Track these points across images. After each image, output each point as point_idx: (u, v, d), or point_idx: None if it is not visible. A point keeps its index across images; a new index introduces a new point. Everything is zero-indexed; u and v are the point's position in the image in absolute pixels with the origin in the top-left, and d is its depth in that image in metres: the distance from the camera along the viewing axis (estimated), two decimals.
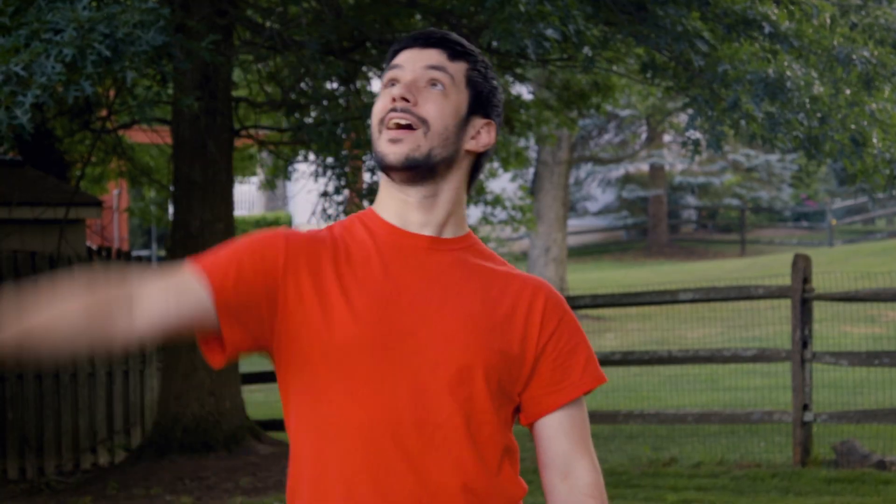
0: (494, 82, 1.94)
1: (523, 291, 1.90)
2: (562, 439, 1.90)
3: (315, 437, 1.84)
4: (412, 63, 1.87)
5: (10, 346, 1.76)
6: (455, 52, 1.90)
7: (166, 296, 1.78)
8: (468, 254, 1.91)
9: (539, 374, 1.89)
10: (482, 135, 1.91)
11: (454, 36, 1.93)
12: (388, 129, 1.85)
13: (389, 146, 1.84)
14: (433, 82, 1.86)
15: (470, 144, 1.90)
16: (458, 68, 1.89)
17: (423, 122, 1.84)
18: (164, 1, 6.15)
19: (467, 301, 1.86)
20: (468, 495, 1.82)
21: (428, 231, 1.88)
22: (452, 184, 1.89)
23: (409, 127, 1.85)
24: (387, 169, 1.86)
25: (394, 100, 1.85)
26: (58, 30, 4.91)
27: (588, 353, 1.92)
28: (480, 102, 1.90)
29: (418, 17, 8.71)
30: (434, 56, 1.88)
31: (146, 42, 4.89)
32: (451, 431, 1.81)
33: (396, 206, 1.89)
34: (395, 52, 1.91)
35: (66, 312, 1.76)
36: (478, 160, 1.93)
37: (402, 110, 1.84)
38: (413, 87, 1.85)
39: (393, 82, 1.88)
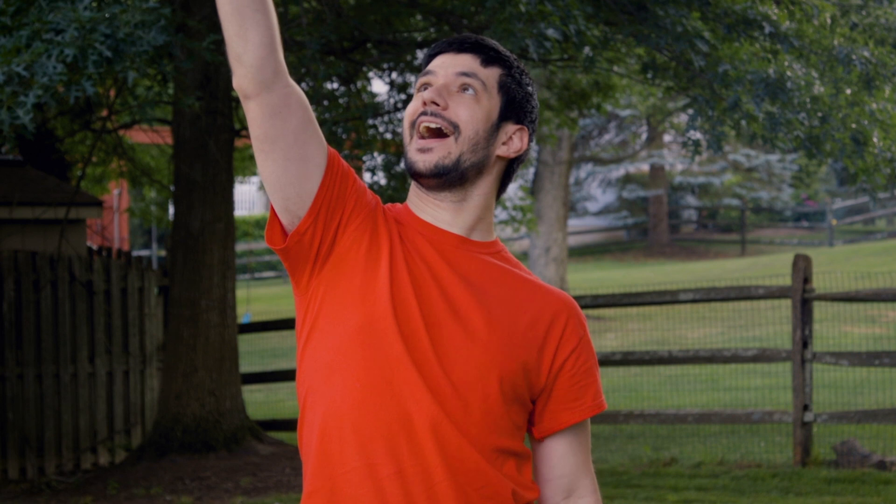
0: (529, 88, 1.93)
1: (548, 305, 1.91)
2: (569, 459, 1.92)
3: (329, 382, 1.84)
4: (444, 68, 1.88)
5: None
6: (488, 58, 1.90)
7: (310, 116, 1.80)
8: (496, 259, 1.92)
9: (558, 390, 1.90)
10: (514, 140, 1.91)
11: (489, 41, 1.93)
12: (420, 135, 1.86)
13: (419, 155, 1.85)
14: (465, 87, 1.87)
15: (501, 150, 1.90)
16: (491, 74, 1.89)
17: (454, 126, 1.85)
18: (165, 1, 6.15)
19: (493, 304, 1.87)
20: (476, 476, 1.83)
21: (457, 231, 1.89)
22: (482, 189, 1.90)
23: (439, 132, 1.85)
24: (415, 176, 1.87)
25: (424, 103, 1.86)
26: (59, 30, 4.92)
27: (598, 378, 1.96)
28: (513, 108, 1.90)
29: (419, 17, 8.70)
30: (467, 61, 1.89)
31: (147, 42, 4.90)
32: (457, 428, 1.82)
33: (427, 206, 1.90)
34: (430, 57, 1.92)
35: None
36: (509, 166, 1.93)
37: (433, 114, 1.85)
38: (444, 91, 1.86)
39: (425, 86, 1.89)
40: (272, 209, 1.84)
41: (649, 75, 7.33)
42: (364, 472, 1.80)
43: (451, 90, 1.87)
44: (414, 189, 1.92)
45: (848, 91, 6.28)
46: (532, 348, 1.87)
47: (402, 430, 1.80)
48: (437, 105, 1.85)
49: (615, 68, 9.24)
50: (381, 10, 8.12)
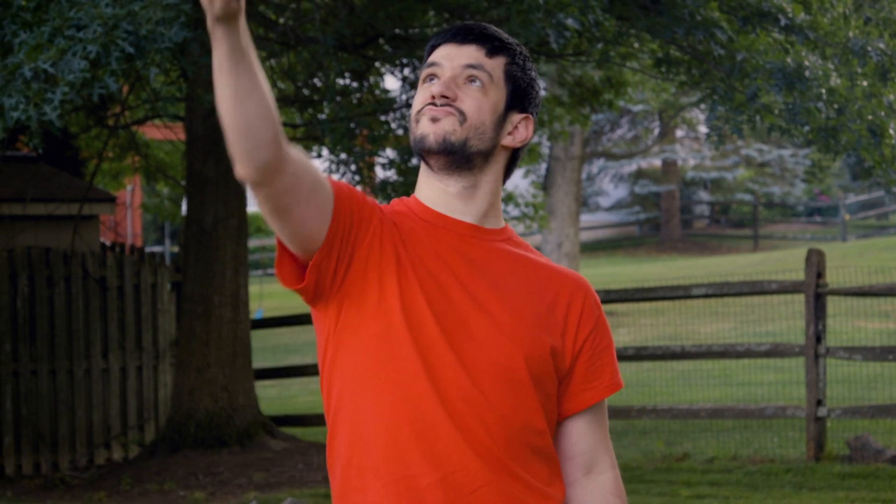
0: (533, 74, 1.94)
1: (564, 287, 1.93)
2: (589, 436, 1.94)
3: (357, 398, 1.85)
4: (450, 60, 1.89)
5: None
6: (494, 48, 1.90)
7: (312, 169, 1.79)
8: (509, 245, 1.93)
9: (576, 372, 1.93)
10: (519, 130, 1.92)
11: (492, 30, 1.93)
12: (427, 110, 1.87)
13: (429, 124, 1.85)
14: (471, 79, 1.88)
15: (507, 140, 1.91)
16: (497, 64, 1.90)
17: (461, 112, 1.86)
18: None
19: (513, 291, 1.88)
20: (510, 476, 1.84)
21: (469, 220, 1.90)
22: (490, 176, 1.91)
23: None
24: (425, 151, 1.87)
25: (433, 96, 1.86)
26: (80, 26, 4.94)
27: (614, 356, 1.98)
28: (518, 97, 1.91)
29: (431, 12, 8.69)
30: (472, 53, 1.89)
31: (169, 39, 4.92)
32: (499, 419, 1.84)
33: (437, 195, 1.91)
34: (433, 48, 1.92)
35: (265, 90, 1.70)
36: (514, 154, 1.95)
37: (442, 105, 1.86)
38: (451, 84, 1.87)
39: (431, 77, 1.90)
40: (280, 249, 1.83)
41: (663, 69, 7.31)
42: (404, 483, 1.82)
43: (458, 82, 1.87)
44: (423, 177, 1.92)
45: (864, 83, 6.26)
46: (556, 332, 1.90)
47: (438, 437, 1.81)
48: (446, 97, 1.86)
49: (628, 64, 9.22)
50: (394, 6, 8.12)
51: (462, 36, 1.91)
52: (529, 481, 1.86)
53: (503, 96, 1.90)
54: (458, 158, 1.87)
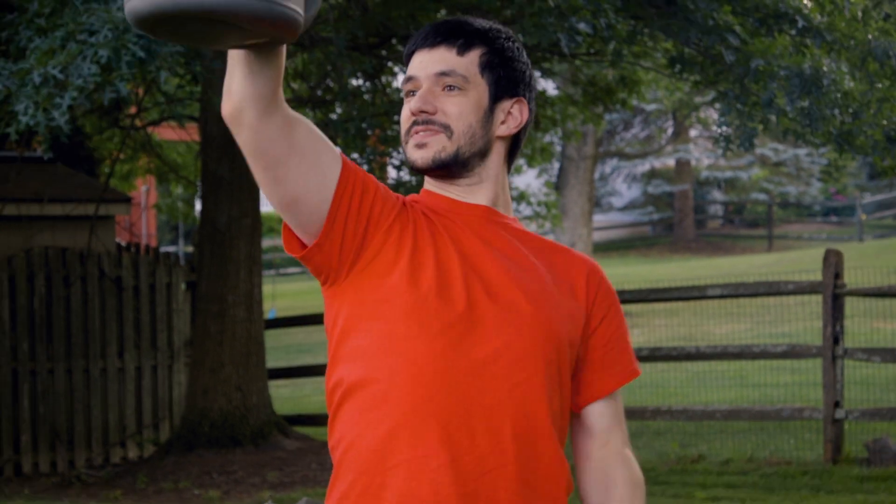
0: (514, 54, 1.88)
1: (581, 270, 1.92)
2: (606, 418, 1.94)
3: (369, 381, 1.79)
4: (424, 69, 1.85)
5: None
6: (464, 44, 1.85)
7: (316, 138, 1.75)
8: (521, 231, 1.92)
9: (592, 358, 1.91)
10: (513, 115, 1.89)
11: (460, 22, 1.87)
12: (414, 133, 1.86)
13: (416, 151, 1.85)
14: (448, 86, 1.84)
15: (501, 130, 1.88)
16: (471, 61, 1.85)
17: (446, 127, 1.83)
18: None
19: (536, 275, 1.86)
20: (522, 470, 1.82)
21: (482, 202, 1.89)
22: (492, 170, 1.89)
23: (432, 131, 1.85)
24: (418, 172, 1.88)
25: (413, 114, 1.84)
26: (92, 31, 4.93)
27: (629, 343, 1.98)
28: (503, 85, 1.87)
29: (444, 12, 8.68)
30: (443, 57, 1.85)
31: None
32: (515, 410, 1.80)
33: (445, 186, 1.90)
34: (409, 56, 1.89)
35: None
36: (515, 139, 1.92)
37: (424, 122, 1.84)
38: (429, 97, 1.84)
39: (412, 92, 1.87)
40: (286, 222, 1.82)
41: (676, 69, 7.28)
42: (416, 464, 1.77)
43: (435, 92, 1.84)
44: (428, 179, 1.92)
45: (879, 86, 6.22)
46: (577, 313, 1.88)
47: (460, 419, 1.78)
48: (426, 112, 1.83)
49: (642, 63, 9.19)
50: (407, 6, 8.10)
51: (432, 38, 1.86)
52: (537, 466, 1.83)
53: (485, 90, 1.85)
54: (455, 168, 1.86)
